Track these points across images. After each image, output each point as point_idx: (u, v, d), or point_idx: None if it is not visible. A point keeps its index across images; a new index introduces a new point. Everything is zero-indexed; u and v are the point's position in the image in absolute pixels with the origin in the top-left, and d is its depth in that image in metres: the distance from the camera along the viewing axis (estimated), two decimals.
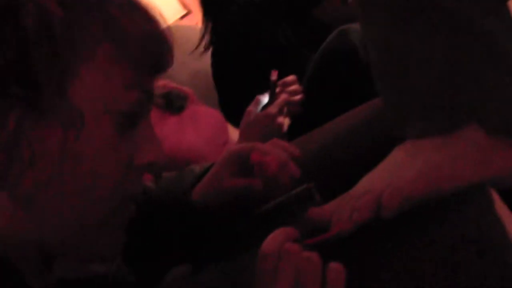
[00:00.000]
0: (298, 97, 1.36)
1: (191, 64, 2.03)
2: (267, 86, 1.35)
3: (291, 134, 1.28)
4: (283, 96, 1.29)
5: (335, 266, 0.61)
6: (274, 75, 1.33)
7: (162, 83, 1.59)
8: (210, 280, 0.81)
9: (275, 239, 0.64)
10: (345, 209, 0.69)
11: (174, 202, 0.90)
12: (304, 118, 1.34)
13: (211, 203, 0.87)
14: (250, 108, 1.31)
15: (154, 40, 0.58)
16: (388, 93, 0.80)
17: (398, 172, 0.70)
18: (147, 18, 0.58)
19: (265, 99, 1.32)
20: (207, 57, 1.80)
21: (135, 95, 0.56)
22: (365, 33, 0.81)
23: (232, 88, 1.71)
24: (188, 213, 0.88)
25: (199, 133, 1.44)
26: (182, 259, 0.95)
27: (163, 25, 0.60)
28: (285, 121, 1.29)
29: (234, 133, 1.57)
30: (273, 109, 1.25)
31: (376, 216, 0.67)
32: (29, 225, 0.54)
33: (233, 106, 1.74)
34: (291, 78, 1.38)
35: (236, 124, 1.62)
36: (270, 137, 1.21)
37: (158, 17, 0.59)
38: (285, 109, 1.31)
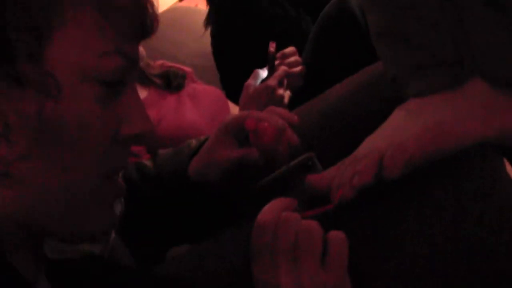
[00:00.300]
0: (298, 68, 1.32)
1: (191, 44, 2.01)
2: (266, 60, 1.32)
3: (293, 107, 1.25)
4: (282, 68, 1.26)
5: (337, 235, 0.58)
6: (272, 47, 1.29)
7: (159, 62, 1.56)
8: (208, 254, 0.78)
9: (271, 210, 0.62)
10: (345, 174, 0.66)
11: (171, 178, 0.88)
12: (306, 90, 1.31)
13: (208, 177, 0.84)
14: (249, 81, 1.28)
15: (137, 5, 0.55)
16: (387, 52, 0.77)
17: (400, 132, 0.67)
18: None
19: (264, 72, 1.29)
20: (207, 38, 1.77)
21: (115, 62, 0.53)
22: None
23: (233, 64, 1.69)
24: (185, 188, 0.86)
25: (199, 110, 1.41)
26: (182, 237, 0.93)
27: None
28: (285, 94, 1.25)
29: (236, 111, 1.54)
30: (272, 82, 1.22)
31: (378, 179, 0.64)
32: (10, 202, 0.51)
33: (234, 83, 1.71)
34: (290, 49, 1.35)
35: (238, 101, 1.59)
36: None
37: None
38: (285, 82, 1.27)
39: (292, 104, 1.28)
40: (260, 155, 0.80)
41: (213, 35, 1.76)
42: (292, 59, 1.33)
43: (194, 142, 0.91)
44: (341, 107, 0.91)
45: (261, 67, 1.35)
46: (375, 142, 0.69)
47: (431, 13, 0.70)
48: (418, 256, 0.62)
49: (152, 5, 0.56)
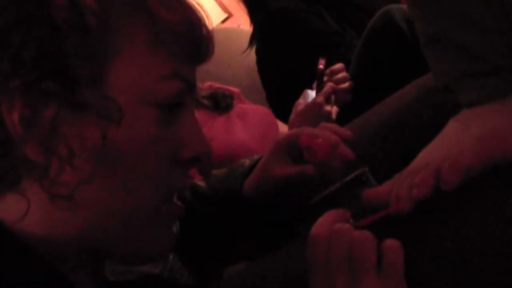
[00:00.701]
0: (345, 84, 1.33)
1: (237, 65, 2.03)
2: (312, 74, 1.33)
3: (342, 122, 1.25)
4: (329, 85, 1.27)
5: (392, 243, 0.58)
6: (321, 64, 1.30)
7: (207, 84, 1.59)
8: (265, 269, 0.78)
9: (324, 222, 0.63)
10: (402, 187, 0.65)
11: (225, 196, 0.88)
12: (354, 105, 1.31)
13: (264, 194, 0.84)
14: (299, 101, 1.29)
15: (192, 29, 0.56)
16: (437, 61, 0.76)
17: (455, 143, 0.66)
18: (184, 7, 0.56)
19: (313, 92, 1.30)
20: (252, 58, 1.79)
21: (174, 86, 0.54)
22: (412, 2, 0.78)
23: (278, 82, 1.70)
24: (240, 206, 0.86)
25: (248, 130, 1.43)
26: (240, 255, 0.93)
27: (201, 15, 0.58)
28: (333, 109, 1.26)
29: (284, 129, 1.55)
30: (319, 98, 1.23)
31: (435, 191, 0.63)
32: (72, 225, 0.52)
33: (281, 101, 1.73)
34: (338, 66, 1.35)
35: (286, 119, 1.60)
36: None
37: (196, 8, 0.57)
38: (333, 98, 1.28)
39: (342, 119, 1.28)
40: (315, 171, 0.80)
41: (258, 54, 1.78)
42: (340, 75, 1.33)
43: (247, 161, 0.92)
44: (394, 120, 0.90)
45: (307, 83, 1.35)
46: (430, 155, 0.68)
47: (482, 20, 0.69)
48: (475, 263, 0.61)
49: (207, 28, 0.58)
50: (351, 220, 0.64)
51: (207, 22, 0.58)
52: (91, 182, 0.51)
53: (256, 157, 0.92)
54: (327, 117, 1.23)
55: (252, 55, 1.79)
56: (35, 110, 0.48)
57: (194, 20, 0.56)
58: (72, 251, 0.54)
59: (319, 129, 0.81)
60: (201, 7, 0.59)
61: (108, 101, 0.50)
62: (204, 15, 0.58)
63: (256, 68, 1.80)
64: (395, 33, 1.27)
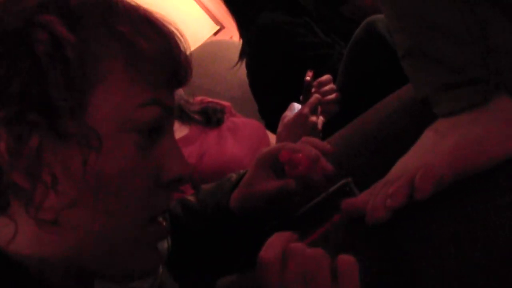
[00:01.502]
0: (332, 96, 1.34)
1: (229, 77, 2.05)
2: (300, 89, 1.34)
3: (329, 133, 1.27)
4: (315, 96, 1.28)
5: (345, 258, 0.58)
6: (308, 76, 1.32)
7: (198, 98, 1.61)
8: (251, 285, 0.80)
9: (273, 244, 0.61)
10: (378, 197, 0.68)
11: (214, 211, 0.90)
12: (342, 116, 1.32)
13: (249, 209, 0.86)
14: (285, 113, 1.30)
15: (169, 57, 0.58)
16: (415, 72, 0.78)
17: (429, 153, 0.68)
18: (160, 33, 0.58)
19: (299, 105, 1.32)
20: (243, 70, 1.81)
21: (152, 112, 0.56)
22: (388, 15, 0.80)
23: (269, 94, 1.72)
24: (228, 221, 0.88)
25: (239, 144, 1.44)
26: (229, 267, 0.95)
27: (178, 38, 0.60)
28: (319, 120, 1.28)
29: (275, 141, 1.57)
30: (304, 109, 1.25)
31: (410, 199, 0.65)
32: (58, 247, 0.54)
33: (272, 113, 1.74)
34: (325, 77, 1.37)
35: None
36: (304, 136, 1.22)
37: (172, 31, 0.59)
38: (320, 109, 1.29)
39: (329, 130, 1.30)
40: (297, 185, 0.82)
41: (248, 67, 1.80)
42: (327, 87, 1.35)
43: (234, 176, 0.94)
44: (377, 131, 0.92)
45: (298, 95, 1.37)
46: (406, 164, 0.70)
47: (457, 32, 0.70)
48: (450, 269, 0.63)
49: (184, 54, 0.60)
50: (298, 239, 0.63)
51: (184, 47, 0.60)
52: (75, 207, 0.53)
53: (242, 171, 0.94)
54: (312, 127, 1.25)
55: (244, 67, 1.81)
56: (19, 140, 0.50)
57: (171, 47, 0.58)
58: (60, 271, 0.56)
59: (299, 143, 0.83)
60: (178, 31, 0.60)
61: (88, 129, 0.52)
62: (182, 39, 0.60)
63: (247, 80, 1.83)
64: (379, 43, 1.28)
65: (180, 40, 0.60)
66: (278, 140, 1.29)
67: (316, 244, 0.61)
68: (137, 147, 0.55)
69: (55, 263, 0.55)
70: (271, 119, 1.77)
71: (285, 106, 1.38)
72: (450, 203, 0.66)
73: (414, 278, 0.64)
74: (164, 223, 0.62)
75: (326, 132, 1.27)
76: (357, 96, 1.34)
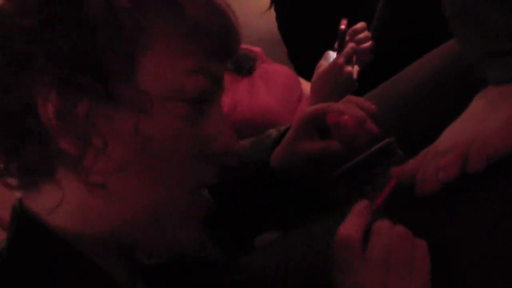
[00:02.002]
0: (367, 44, 1.31)
1: (255, 22, 2.01)
2: (335, 32, 1.31)
3: (363, 82, 1.25)
4: (350, 45, 1.25)
5: (421, 244, 0.60)
6: (343, 24, 1.29)
7: None
8: (293, 246, 0.80)
9: (352, 223, 0.63)
10: (429, 167, 0.67)
11: (253, 168, 0.90)
12: (376, 65, 1.30)
13: (290, 167, 0.86)
14: (320, 62, 1.28)
15: (221, 25, 0.57)
16: (464, 35, 0.75)
17: (482, 124, 0.67)
18: (214, 3, 0.57)
19: (334, 53, 1.29)
20: (269, 15, 1.77)
21: (202, 81, 0.56)
22: None
23: (301, 41, 1.68)
24: (268, 177, 0.88)
25: (272, 92, 1.42)
26: (267, 224, 0.96)
27: (230, 11, 0.58)
28: (354, 70, 1.25)
29: (307, 86, 1.55)
30: (340, 59, 1.22)
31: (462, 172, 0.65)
32: (105, 215, 0.54)
33: (302, 56, 1.72)
34: (360, 25, 1.33)
35: (308, 76, 1.59)
36: (340, 87, 1.21)
37: (224, 1, 0.58)
38: (355, 58, 1.27)
39: (364, 79, 1.28)
40: (340, 147, 0.81)
41: (277, 12, 1.76)
42: (362, 35, 1.31)
43: (274, 132, 0.93)
44: (419, 90, 0.91)
45: (329, 41, 1.34)
46: (456, 135, 0.69)
47: None
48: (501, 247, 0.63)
49: (235, 25, 0.58)
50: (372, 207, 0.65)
51: (235, 18, 0.58)
52: (124, 173, 0.53)
53: (282, 128, 0.93)
54: (348, 77, 1.23)
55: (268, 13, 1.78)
56: (69, 103, 0.50)
57: (223, 18, 0.57)
58: (102, 246, 0.56)
59: (345, 104, 0.82)
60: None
61: (139, 93, 0.52)
62: (233, 11, 0.59)
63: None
64: None
65: (232, 12, 0.58)
66: (312, 91, 1.27)
67: (379, 212, 0.62)
68: (184, 116, 0.55)
69: (96, 237, 0.55)
70: (301, 63, 1.75)
71: (316, 51, 1.35)
72: (502, 179, 0.65)
73: (450, 263, 0.64)
74: (209, 197, 0.62)
75: (362, 81, 1.25)
76: (393, 44, 1.31)
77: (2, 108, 0.51)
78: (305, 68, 1.71)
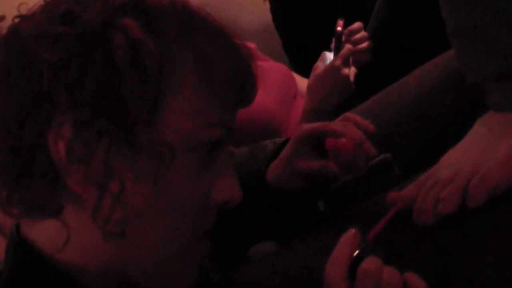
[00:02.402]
0: (364, 44, 1.29)
1: (249, 14, 2.00)
2: (330, 24, 1.29)
3: (360, 83, 1.25)
4: (347, 47, 1.24)
5: (416, 283, 0.57)
6: (339, 25, 1.27)
7: None
8: (288, 260, 0.80)
9: (339, 260, 0.59)
10: (428, 198, 0.67)
11: (248, 180, 0.89)
12: (373, 65, 1.29)
13: (286, 184, 0.86)
14: (317, 63, 1.27)
15: (240, 77, 0.56)
16: (466, 54, 0.74)
17: (483, 154, 0.66)
18: (235, 52, 0.56)
19: (331, 54, 1.28)
20: (263, 6, 1.75)
21: (218, 132, 0.55)
22: None
23: (295, 29, 1.67)
24: (264, 194, 0.88)
25: (267, 90, 1.41)
26: (261, 237, 0.96)
27: (249, 55, 0.57)
28: (351, 71, 1.24)
29: (302, 83, 1.53)
30: (337, 61, 1.21)
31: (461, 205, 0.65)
32: (110, 256, 0.54)
33: (297, 51, 1.70)
34: (356, 25, 1.31)
35: (302, 71, 1.58)
36: (337, 90, 1.20)
37: (243, 46, 0.57)
38: (351, 59, 1.26)
39: (361, 80, 1.27)
40: (338, 167, 0.81)
41: (272, 2, 1.74)
42: (358, 35, 1.30)
43: (270, 145, 0.93)
44: (416, 105, 0.90)
45: (323, 30, 1.33)
46: (457, 162, 0.68)
47: None
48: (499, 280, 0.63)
49: (254, 73, 0.58)
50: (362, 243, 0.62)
51: (254, 64, 0.58)
52: (137, 219, 0.52)
53: (277, 140, 0.93)
54: (345, 80, 1.22)
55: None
56: (85, 145, 0.49)
57: (243, 68, 0.56)
58: (103, 281, 0.55)
59: (342, 124, 0.81)
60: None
61: (161, 141, 0.51)
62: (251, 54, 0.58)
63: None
64: None
65: (254, 61, 0.57)
66: (309, 92, 1.26)
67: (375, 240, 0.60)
68: (197, 164, 0.54)
69: (99, 274, 0.55)
70: (295, 56, 1.74)
71: (310, 42, 1.34)
72: (502, 211, 0.65)
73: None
74: (207, 242, 0.61)
75: (359, 82, 1.24)
76: (391, 45, 1.30)
77: (13, 141, 0.50)
78: (300, 61, 1.71)
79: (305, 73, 1.56)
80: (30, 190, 0.51)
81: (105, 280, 0.55)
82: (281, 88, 1.43)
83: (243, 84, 0.57)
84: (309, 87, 1.27)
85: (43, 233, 0.54)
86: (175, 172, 0.52)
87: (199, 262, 0.60)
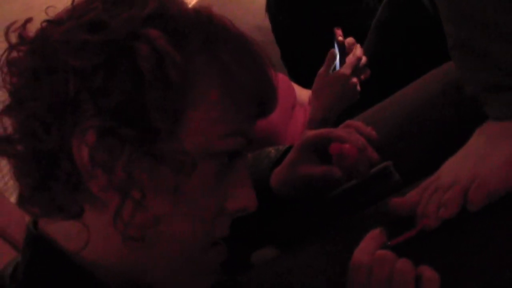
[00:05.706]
0: (363, 61, 1.31)
1: (251, 19, 2.01)
2: (329, 36, 1.31)
3: (361, 97, 1.27)
4: (356, 56, 1.26)
5: (430, 275, 0.60)
6: (339, 35, 1.29)
7: None
8: (290, 266, 0.82)
9: (366, 248, 0.64)
10: (430, 204, 0.69)
11: (254, 188, 0.91)
12: (372, 80, 1.31)
13: (290, 190, 0.87)
14: (322, 69, 1.28)
15: (262, 89, 0.57)
16: (465, 67, 0.76)
17: (482, 161, 0.68)
18: (257, 65, 0.57)
19: (336, 61, 1.29)
20: (263, 16, 1.78)
21: (236, 142, 0.56)
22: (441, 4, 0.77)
23: (294, 46, 1.69)
24: (268, 199, 0.89)
25: None
26: (264, 242, 0.97)
27: (267, 63, 0.58)
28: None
29: (301, 93, 1.55)
30: (347, 70, 1.23)
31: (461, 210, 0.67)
32: (127, 260, 0.55)
33: (297, 60, 1.72)
34: (349, 40, 1.32)
35: (300, 81, 1.60)
36: (345, 97, 1.24)
37: (266, 59, 0.57)
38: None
39: (361, 95, 1.29)
40: (342, 172, 0.83)
41: (271, 12, 1.76)
42: (358, 52, 1.32)
43: (273, 151, 0.94)
44: (416, 115, 0.92)
45: (322, 50, 1.35)
46: (457, 170, 0.71)
47: (508, 30, 0.69)
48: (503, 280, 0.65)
49: (274, 85, 0.59)
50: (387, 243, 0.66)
51: (273, 75, 0.58)
52: (157, 225, 0.53)
53: (280, 147, 0.94)
54: (353, 89, 1.24)
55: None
56: (107, 152, 0.50)
57: (265, 81, 0.57)
58: (117, 283, 0.56)
59: (346, 130, 0.83)
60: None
61: (183, 152, 0.52)
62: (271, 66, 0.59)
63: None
64: (417, 7, 1.25)
65: (271, 67, 0.58)
66: (314, 97, 1.28)
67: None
68: (216, 172, 0.55)
69: (115, 276, 0.56)
70: (294, 67, 1.75)
71: (309, 53, 1.34)
72: (501, 215, 0.67)
73: None
74: (223, 248, 0.62)
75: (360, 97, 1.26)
76: (389, 60, 1.32)
77: (39, 145, 0.50)
78: (298, 72, 1.72)
79: (303, 83, 1.59)
80: (53, 192, 0.52)
81: (120, 283, 0.56)
82: (281, 99, 1.45)
83: (264, 96, 0.58)
84: (315, 92, 1.28)
85: (62, 231, 0.55)
86: (194, 180, 0.53)
87: (216, 267, 0.61)
